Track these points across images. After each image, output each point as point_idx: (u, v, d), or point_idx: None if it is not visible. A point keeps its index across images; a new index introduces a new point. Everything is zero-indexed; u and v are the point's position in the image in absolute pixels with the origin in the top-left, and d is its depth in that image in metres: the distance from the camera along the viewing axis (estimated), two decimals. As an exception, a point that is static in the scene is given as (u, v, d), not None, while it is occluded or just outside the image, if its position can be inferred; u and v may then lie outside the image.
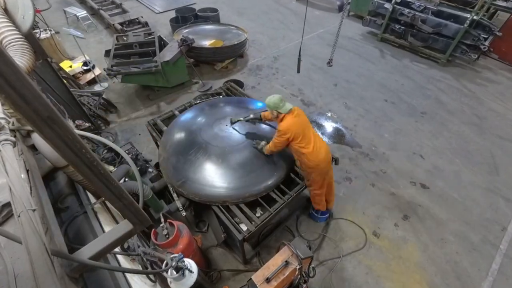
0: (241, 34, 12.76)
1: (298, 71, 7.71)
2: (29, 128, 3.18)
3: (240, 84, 10.15)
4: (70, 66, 10.75)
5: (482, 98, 10.77)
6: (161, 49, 10.19)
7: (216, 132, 5.76)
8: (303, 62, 8.74)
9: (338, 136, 8.96)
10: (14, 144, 2.81)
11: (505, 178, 7.89)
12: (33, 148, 3.28)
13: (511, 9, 11.69)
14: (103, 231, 3.19)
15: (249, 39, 13.43)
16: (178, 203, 5.39)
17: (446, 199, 7.32)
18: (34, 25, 9.17)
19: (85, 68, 10.77)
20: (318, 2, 18.12)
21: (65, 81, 7.56)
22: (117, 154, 6.31)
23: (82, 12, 14.65)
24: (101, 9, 15.59)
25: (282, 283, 3.93)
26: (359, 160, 8.19)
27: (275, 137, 5.17)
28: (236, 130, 5.89)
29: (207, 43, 11.95)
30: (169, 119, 7.03)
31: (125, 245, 3.55)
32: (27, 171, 2.67)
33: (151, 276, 3.74)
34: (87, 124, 7.70)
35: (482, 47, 11.26)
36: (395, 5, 12.81)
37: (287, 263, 3.98)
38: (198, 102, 7.23)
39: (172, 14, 15.13)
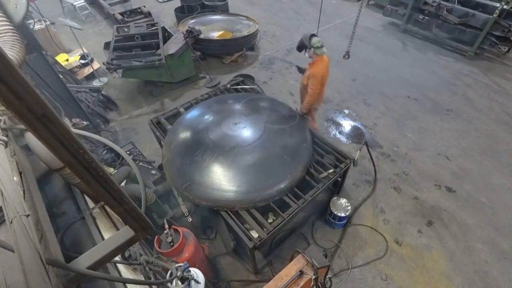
0: (252, 25, 12.78)
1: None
2: (22, 127, 3.17)
3: (250, 79, 10.15)
4: (67, 60, 10.80)
5: (514, 94, 10.68)
6: (165, 41, 10.21)
7: (225, 131, 5.74)
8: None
9: (356, 136, 8.92)
10: (6, 144, 2.80)
11: (538, 181, 7.79)
12: (27, 148, 3.27)
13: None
14: (102, 238, 3.18)
15: (261, 30, 13.41)
16: (184, 208, 5.39)
17: (473, 203, 7.24)
18: (28, 16, 9.21)
19: (82, 61, 10.82)
20: (334, -10, 18.03)
21: (61, 76, 7.59)
22: (118, 155, 6.32)
23: (79, 1, 14.73)
24: (100, -3, 15.67)
25: (296, 295, 3.90)
26: (380, 161, 8.14)
27: (312, 85, 6.56)
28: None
29: (215, 34, 12.01)
30: (174, 117, 7.05)
31: (126, 254, 3.54)
32: (20, 173, 2.66)
33: (154, 287, 3.73)
34: (85, 123, 7.71)
35: (513, 38, 11.16)
36: (418, -7, 12.74)
37: (301, 273, 3.95)
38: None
39: (177, 4, 15.15)
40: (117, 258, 3.17)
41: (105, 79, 10.86)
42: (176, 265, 3.26)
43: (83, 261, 2.09)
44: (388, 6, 14.18)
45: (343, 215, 6.26)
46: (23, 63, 3.67)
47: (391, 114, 9.68)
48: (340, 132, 9.03)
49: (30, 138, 3.15)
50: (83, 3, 14.86)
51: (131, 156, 6.98)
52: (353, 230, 6.72)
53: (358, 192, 7.42)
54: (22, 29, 4.08)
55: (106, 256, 2.17)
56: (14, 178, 2.39)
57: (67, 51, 11.74)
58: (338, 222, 6.49)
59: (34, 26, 10.64)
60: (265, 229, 4.94)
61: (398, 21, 14.27)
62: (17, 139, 3.22)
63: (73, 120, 7.31)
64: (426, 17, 13.02)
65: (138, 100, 10.19)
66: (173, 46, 9.78)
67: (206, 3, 14.83)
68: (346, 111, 9.76)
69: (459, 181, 7.71)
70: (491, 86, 10.95)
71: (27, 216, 1.95)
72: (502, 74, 11.63)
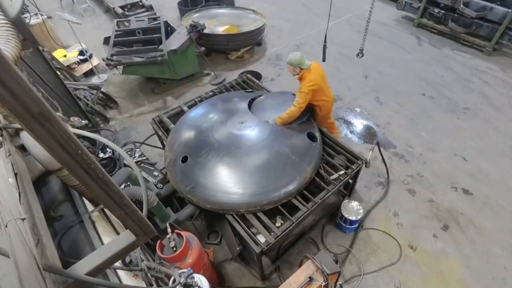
0: (259, 19, 12.78)
1: (324, 60, 7.65)
2: (17, 126, 3.17)
3: (257, 76, 10.13)
4: (65, 56, 10.85)
5: (534, 92, 10.59)
6: (167, 36, 10.20)
7: (230, 131, 5.75)
8: (329, 50, 8.68)
9: (368, 135, 8.90)
10: (1, 144, 2.80)
11: (561, 184, 7.72)
12: (22, 148, 3.27)
13: None
14: (102, 243, 3.17)
15: (268, 24, 13.42)
16: (187, 211, 5.38)
17: (492, 206, 7.18)
18: (24, 9, 9.22)
19: (81, 57, 10.84)
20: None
21: (58, 73, 7.58)
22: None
23: (78, -5, 14.78)
24: (100, -9, 15.69)
25: (305, 302, 3.88)
26: (393, 162, 8.11)
27: (298, 98, 6.26)
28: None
29: (220, 29, 11.97)
30: (177, 115, 7.05)
31: (127, 259, 3.53)
32: (16, 174, 2.66)
33: (156, 294, 3.72)
34: (83, 122, 7.71)
35: (533, 33, 11.08)
36: (433, -15, 12.67)
37: (311, 280, 3.93)
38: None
39: (180, -3, 15.09)
40: (117, 264, 3.16)
41: (104, 76, 10.89)
42: (180, 271, 3.25)
43: (82, 267, 2.09)
44: (402, -1, 14.14)
45: (354, 218, 6.22)
46: (18, 59, 3.67)
47: (405, 112, 9.64)
48: (351, 132, 9.01)
49: (26, 137, 3.14)
50: (82, -3, 14.93)
51: (132, 157, 6.98)
52: (365, 234, 6.70)
53: (370, 194, 7.39)
54: (17, 24, 4.06)
55: (106, 261, 2.16)
56: (9, 179, 2.39)
57: (65, 47, 11.80)
58: (350, 226, 6.46)
59: (30, 20, 10.66)
60: (272, 234, 4.92)
61: (412, 15, 14.23)
62: (12, 138, 3.22)
63: (71, 118, 7.34)
64: (441, 11, 12.94)
65: (139, 98, 10.22)
66: (176, 41, 9.78)
67: (210, -4, 14.76)
68: (358, 110, 9.74)
69: (476, 183, 7.65)
70: (510, 83, 10.86)
71: (23, 219, 1.94)
72: (522, 71, 11.53)
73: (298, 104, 6.21)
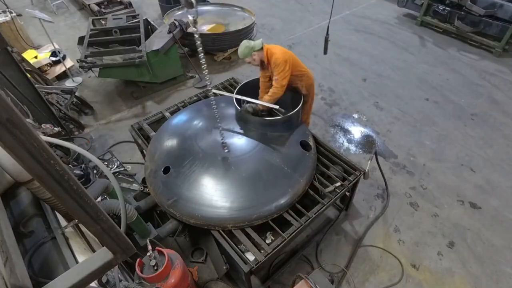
0: (248, 17, 12.84)
1: (325, 53, 7.71)
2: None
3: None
4: (36, 57, 10.81)
5: (547, 97, 10.67)
6: (148, 36, 10.20)
7: (216, 139, 5.74)
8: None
9: (367, 144, 8.92)
10: (-34, 154, 2.82)
11: None
12: (-10, 158, 3.28)
13: None
14: (76, 262, 3.18)
15: (258, 23, 13.46)
16: (169, 226, 5.38)
17: (501, 221, 7.19)
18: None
19: (54, 59, 10.79)
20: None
21: (29, 76, 7.58)
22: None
23: (50, -10, 14.74)
24: (74, -14, 15.67)
25: (298, 326, 3.91)
26: (394, 173, 8.13)
27: (277, 75, 6.22)
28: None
29: (205, 28, 12.03)
30: (158, 122, 7.05)
31: (104, 279, 3.54)
32: (-18, 187, 2.67)
33: (135, 318, 3.73)
34: (56, 129, 7.69)
35: (546, 33, 11.15)
36: (438, -19, 12.75)
37: (304, 302, 3.96)
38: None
39: (162, -7, 15.10)
40: (93, 284, 3.17)
41: (79, 79, 10.87)
42: (161, 292, 3.27)
43: (54, 288, 2.10)
44: (404, -5, 14.21)
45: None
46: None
47: (407, 119, 9.67)
48: (348, 140, 9.03)
49: (-6, 146, 3.15)
50: (55, -8, 14.89)
51: (109, 168, 6.99)
52: (363, 252, 6.70)
53: (369, 208, 7.40)
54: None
55: (81, 281, 2.17)
56: (-25, 192, 2.40)
57: (36, 47, 11.75)
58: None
59: (-3, 18, 10.65)
60: (262, 251, 4.91)
61: (415, 12, 14.32)
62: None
63: (42, 125, 7.33)
64: (447, 8, 13.00)
65: (117, 103, 10.21)
66: (158, 41, 9.78)
67: (195, -9, 14.71)
68: (356, 116, 9.77)
69: (485, 196, 7.67)
70: (521, 87, 10.95)
71: (-10, 235, 1.96)
72: (534, 74, 11.60)
73: (279, 82, 6.21)
